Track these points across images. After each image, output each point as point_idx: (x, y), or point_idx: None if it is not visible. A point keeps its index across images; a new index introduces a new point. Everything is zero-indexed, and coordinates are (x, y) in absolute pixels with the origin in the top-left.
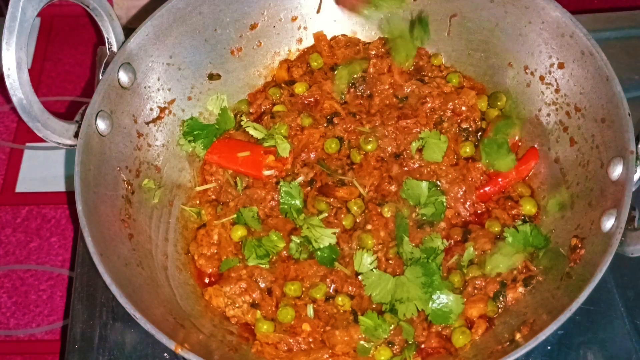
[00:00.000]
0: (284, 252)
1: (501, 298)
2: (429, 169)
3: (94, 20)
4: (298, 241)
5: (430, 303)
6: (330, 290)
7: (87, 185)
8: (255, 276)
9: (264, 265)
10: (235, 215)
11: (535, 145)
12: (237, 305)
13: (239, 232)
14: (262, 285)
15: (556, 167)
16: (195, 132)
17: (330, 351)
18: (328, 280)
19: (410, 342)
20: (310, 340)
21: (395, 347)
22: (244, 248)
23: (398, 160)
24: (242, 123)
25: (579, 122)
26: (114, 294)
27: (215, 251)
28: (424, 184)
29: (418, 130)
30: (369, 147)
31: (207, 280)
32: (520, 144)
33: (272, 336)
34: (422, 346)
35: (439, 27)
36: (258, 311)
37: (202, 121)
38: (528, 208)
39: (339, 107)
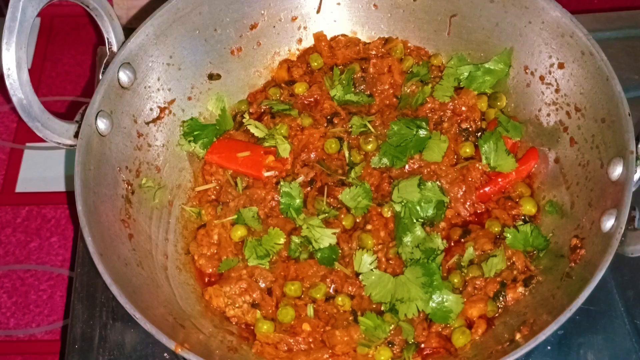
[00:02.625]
0: (284, 252)
1: (501, 298)
2: (429, 169)
3: (94, 20)
4: (298, 241)
5: (430, 302)
6: (330, 290)
7: (87, 185)
8: (256, 276)
9: (264, 265)
10: (235, 216)
11: (535, 145)
12: (237, 305)
13: (238, 232)
14: (262, 285)
15: (556, 167)
16: (195, 133)
17: (330, 351)
18: (328, 280)
19: (410, 342)
20: (310, 340)
21: (395, 347)
22: (245, 248)
23: None
24: (243, 121)
25: (579, 122)
26: (114, 294)
27: (215, 251)
28: (414, 181)
29: None
30: (369, 147)
31: (207, 280)
32: (519, 144)
33: (272, 336)
34: (422, 346)
35: (439, 27)
36: (258, 311)
37: (202, 121)
38: (528, 208)
39: (339, 107)
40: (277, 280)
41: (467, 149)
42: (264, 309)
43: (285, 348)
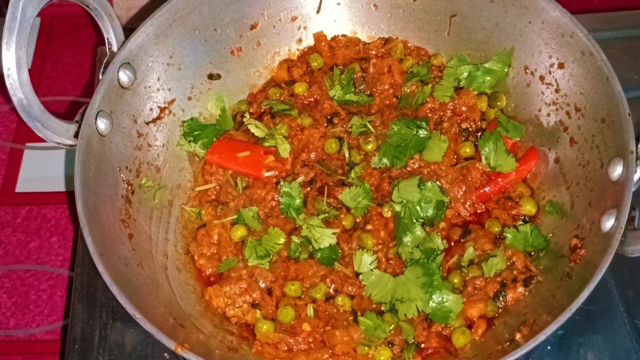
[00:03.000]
0: (284, 252)
1: (501, 298)
2: (429, 169)
3: (94, 20)
4: (298, 241)
5: (430, 302)
6: (330, 290)
7: (87, 185)
8: (256, 276)
9: (264, 266)
10: (235, 216)
11: (535, 146)
12: (237, 305)
13: (238, 232)
14: (262, 285)
15: (556, 167)
16: (195, 133)
17: (330, 351)
18: (328, 280)
19: (410, 342)
20: (310, 340)
21: (395, 347)
22: (245, 248)
23: None
24: (244, 121)
25: (579, 122)
26: (114, 294)
27: (215, 251)
28: (414, 181)
29: None
30: (369, 147)
31: (207, 280)
32: (519, 144)
33: (272, 336)
34: (422, 346)
35: (439, 27)
36: (258, 311)
37: (202, 121)
38: (528, 208)
39: (339, 107)
40: (277, 280)
41: (467, 149)
42: (264, 309)
43: (285, 348)
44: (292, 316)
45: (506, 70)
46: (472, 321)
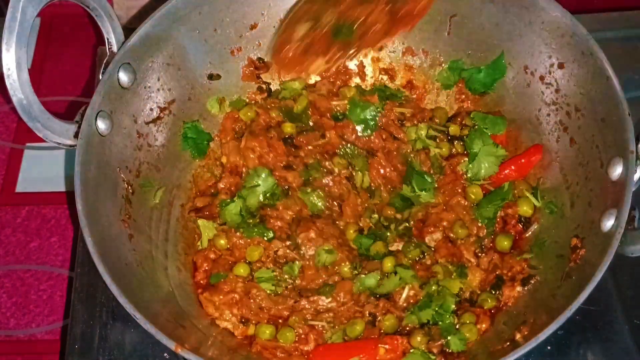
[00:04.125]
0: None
1: (498, 291)
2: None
3: (94, 20)
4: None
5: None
6: None
7: (87, 185)
8: (252, 296)
9: (268, 289)
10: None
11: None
12: (226, 317)
13: (242, 270)
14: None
15: (556, 167)
16: (192, 137)
17: None
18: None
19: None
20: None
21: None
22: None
23: None
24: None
25: (579, 122)
26: (114, 294)
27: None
28: None
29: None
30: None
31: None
32: (508, 139)
33: (270, 344)
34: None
35: (439, 27)
36: (252, 326)
37: (201, 123)
38: (525, 209)
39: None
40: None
41: (444, 149)
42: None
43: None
44: (292, 338)
45: (504, 72)
46: (478, 317)
